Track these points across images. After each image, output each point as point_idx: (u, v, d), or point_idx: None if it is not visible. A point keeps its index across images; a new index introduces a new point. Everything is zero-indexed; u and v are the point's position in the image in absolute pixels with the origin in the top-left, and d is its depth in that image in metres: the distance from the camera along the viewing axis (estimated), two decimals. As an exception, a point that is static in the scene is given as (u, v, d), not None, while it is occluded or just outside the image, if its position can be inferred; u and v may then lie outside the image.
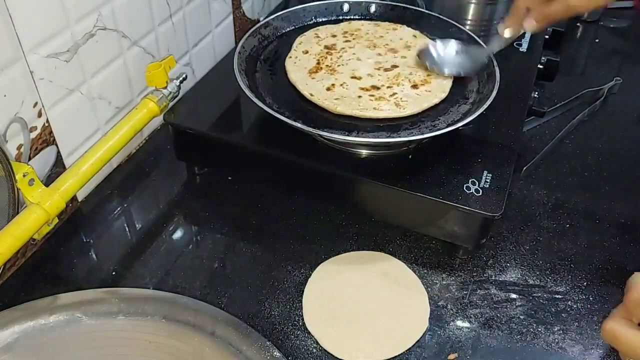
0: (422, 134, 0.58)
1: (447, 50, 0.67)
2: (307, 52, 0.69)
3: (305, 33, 0.73)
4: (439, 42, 0.68)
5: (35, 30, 0.53)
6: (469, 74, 0.65)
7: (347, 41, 0.71)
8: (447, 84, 0.65)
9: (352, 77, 0.65)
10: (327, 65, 0.67)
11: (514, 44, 0.81)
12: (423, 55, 0.67)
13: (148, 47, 0.69)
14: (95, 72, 0.62)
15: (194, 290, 0.57)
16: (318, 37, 0.72)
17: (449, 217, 0.57)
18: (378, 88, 0.64)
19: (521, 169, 0.71)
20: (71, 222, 0.63)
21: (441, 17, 0.75)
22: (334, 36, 0.72)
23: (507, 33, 0.61)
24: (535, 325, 0.55)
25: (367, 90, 0.63)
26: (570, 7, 0.54)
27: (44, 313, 0.46)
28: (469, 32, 0.72)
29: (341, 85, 0.64)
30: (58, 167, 0.61)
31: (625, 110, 0.84)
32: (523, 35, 0.82)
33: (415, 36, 0.73)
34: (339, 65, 0.67)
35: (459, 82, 0.67)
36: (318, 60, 0.68)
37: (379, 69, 0.67)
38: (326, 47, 0.70)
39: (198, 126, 0.64)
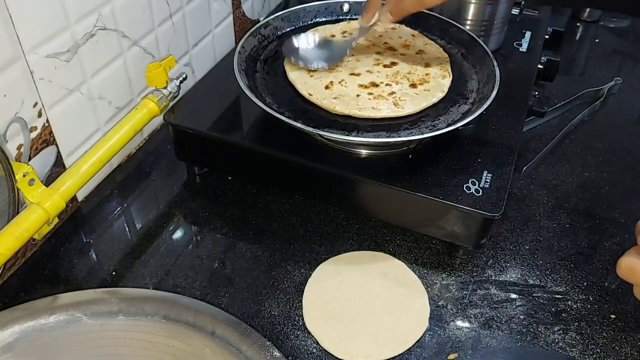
0: (422, 134, 0.58)
1: (310, 44, 0.68)
2: None
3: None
4: (302, 36, 0.69)
5: (35, 30, 0.53)
6: (332, 66, 0.66)
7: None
8: (446, 84, 0.65)
9: (351, 74, 0.65)
10: None
11: (514, 43, 0.81)
12: (287, 51, 0.67)
13: (148, 47, 0.69)
14: (95, 72, 0.62)
15: (194, 290, 0.57)
16: None
17: (449, 217, 0.57)
18: (377, 85, 0.64)
19: (521, 169, 0.71)
20: (71, 222, 0.63)
21: (441, 17, 0.75)
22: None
23: (363, 24, 0.65)
24: (535, 325, 0.55)
25: (365, 87, 0.63)
26: (422, 2, 0.58)
27: (44, 313, 0.46)
28: (469, 32, 0.72)
29: (340, 82, 0.64)
30: (58, 167, 0.61)
31: (625, 110, 0.84)
32: (523, 35, 0.83)
33: (413, 35, 0.73)
34: None
35: (459, 82, 0.67)
36: None
37: (378, 64, 0.67)
38: None
39: (198, 126, 0.64)
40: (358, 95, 0.62)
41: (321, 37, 0.70)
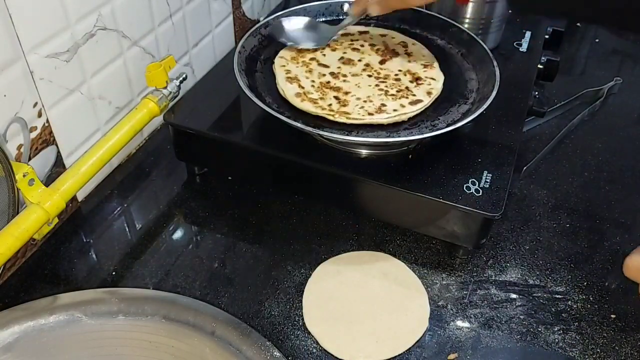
0: (422, 134, 0.58)
1: (297, 25, 0.72)
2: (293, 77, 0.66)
3: (281, 53, 0.70)
4: (292, 18, 0.73)
5: (35, 30, 0.53)
6: (317, 47, 0.70)
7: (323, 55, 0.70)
8: (438, 85, 0.64)
9: (345, 91, 0.64)
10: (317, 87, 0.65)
11: (514, 43, 0.81)
12: (275, 32, 0.71)
13: (148, 47, 0.69)
14: (95, 72, 0.62)
15: (194, 290, 0.57)
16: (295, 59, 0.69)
17: (449, 217, 0.57)
18: (369, 95, 0.63)
19: (521, 169, 0.71)
20: (71, 222, 0.63)
21: (440, 16, 0.75)
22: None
23: (354, 15, 0.68)
24: (535, 325, 0.55)
25: (358, 99, 0.62)
26: (405, 2, 0.63)
27: (44, 313, 0.46)
28: (469, 32, 0.72)
29: (335, 97, 0.63)
30: (58, 167, 0.61)
31: (625, 110, 0.84)
32: (523, 35, 0.83)
33: (402, 41, 0.73)
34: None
35: (459, 82, 0.67)
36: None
37: (368, 70, 0.67)
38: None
39: (198, 126, 0.64)
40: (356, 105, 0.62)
41: (309, 20, 0.72)
